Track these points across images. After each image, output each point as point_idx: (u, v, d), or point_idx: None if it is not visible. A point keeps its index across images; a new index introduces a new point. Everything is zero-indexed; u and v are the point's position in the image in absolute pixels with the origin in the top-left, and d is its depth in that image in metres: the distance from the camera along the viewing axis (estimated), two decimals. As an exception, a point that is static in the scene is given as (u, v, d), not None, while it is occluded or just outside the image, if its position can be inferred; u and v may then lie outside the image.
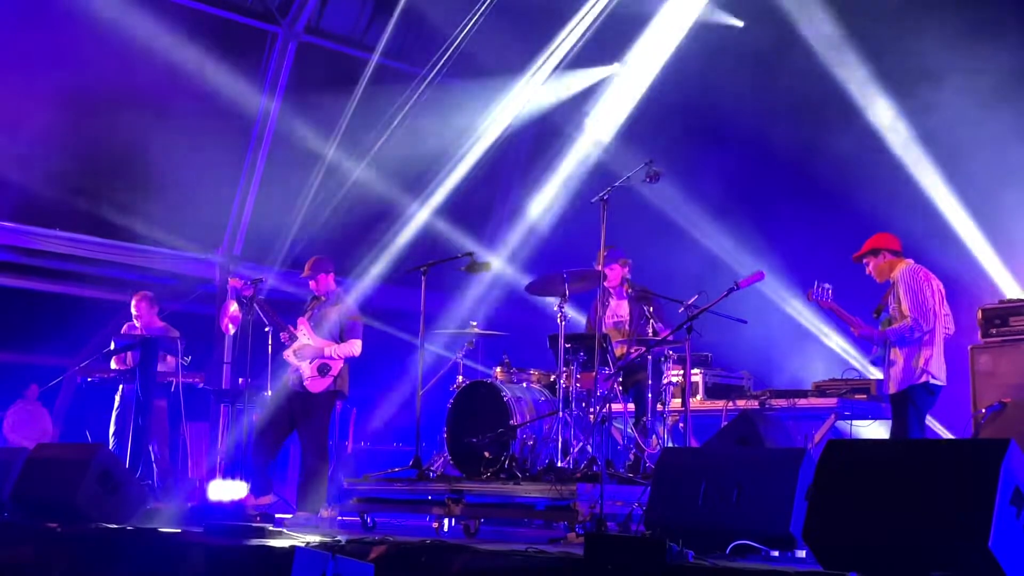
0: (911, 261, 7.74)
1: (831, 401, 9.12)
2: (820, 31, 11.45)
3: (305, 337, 9.10)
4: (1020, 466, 4.46)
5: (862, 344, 8.11)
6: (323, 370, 8.97)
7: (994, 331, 8.54)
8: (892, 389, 7.63)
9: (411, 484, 8.40)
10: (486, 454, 8.22)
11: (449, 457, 8.64)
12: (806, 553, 5.25)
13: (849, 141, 11.20)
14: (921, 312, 7.45)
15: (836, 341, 10.98)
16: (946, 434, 10.00)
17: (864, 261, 7.88)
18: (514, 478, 7.84)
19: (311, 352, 9.04)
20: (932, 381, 7.49)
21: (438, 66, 13.60)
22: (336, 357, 9.02)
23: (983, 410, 8.25)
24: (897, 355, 7.56)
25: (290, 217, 14.07)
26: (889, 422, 8.99)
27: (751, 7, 12.26)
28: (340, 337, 9.14)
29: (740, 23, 12.65)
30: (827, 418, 9.16)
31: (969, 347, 8.67)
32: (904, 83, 10.95)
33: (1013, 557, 4.28)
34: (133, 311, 10.92)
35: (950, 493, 4.46)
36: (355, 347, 9.13)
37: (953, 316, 8.63)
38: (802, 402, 9.26)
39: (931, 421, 9.99)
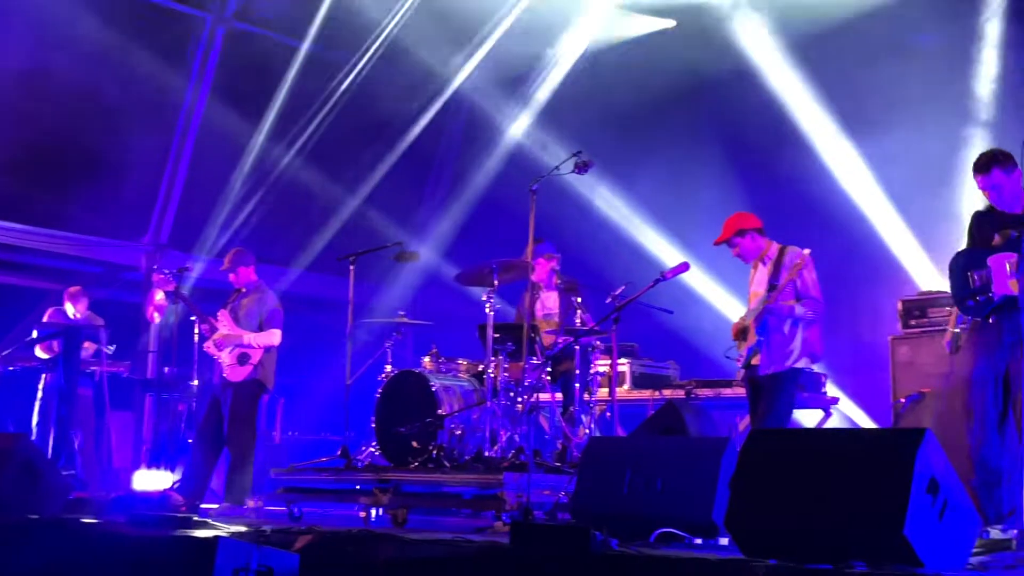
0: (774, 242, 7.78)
1: (756, 391, 9.20)
2: (748, 29, 11.61)
3: (225, 328, 9.06)
4: (936, 455, 4.57)
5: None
6: (242, 359, 8.93)
7: (913, 322, 8.69)
8: (773, 368, 7.47)
9: (338, 474, 8.38)
10: (414, 444, 8.23)
11: (377, 447, 8.64)
12: (728, 540, 5.32)
13: (774, 137, 11.34)
14: (820, 293, 7.53)
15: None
16: (867, 423, 10.19)
17: (733, 243, 7.77)
18: (442, 467, 7.86)
19: (230, 342, 9.01)
20: (814, 364, 7.60)
21: (368, 55, 13.57)
22: (255, 346, 8.98)
23: (902, 400, 8.40)
24: (784, 334, 7.49)
25: (218, 205, 13.93)
26: (813, 411, 9.15)
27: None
28: (260, 327, 9.12)
29: (672, 23, 12.75)
30: (752, 407, 9.26)
31: (889, 338, 8.82)
32: (831, 79, 11.12)
33: (928, 543, 4.38)
34: (71, 310, 10.81)
35: (868, 481, 4.54)
36: (274, 336, 9.12)
37: (875, 307, 8.81)
38: (727, 391, 9.34)
39: (852, 410, 10.20)
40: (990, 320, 6.26)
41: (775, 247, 7.71)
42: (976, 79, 10.22)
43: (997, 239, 6.26)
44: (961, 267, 6.42)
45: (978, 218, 6.54)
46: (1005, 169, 6.30)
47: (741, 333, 7.65)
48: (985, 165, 6.35)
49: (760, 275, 7.72)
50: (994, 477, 6.10)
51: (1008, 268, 6.13)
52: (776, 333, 7.48)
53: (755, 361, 7.53)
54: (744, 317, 7.71)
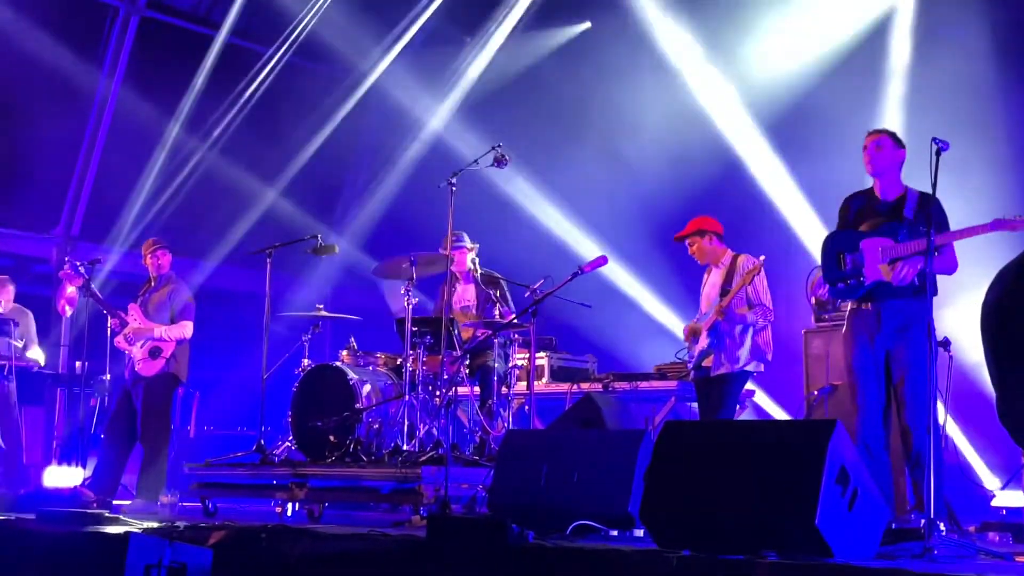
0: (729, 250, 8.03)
1: (672, 384, 9.32)
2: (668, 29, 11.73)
3: (135, 322, 8.95)
4: (846, 446, 4.65)
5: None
6: (154, 353, 8.83)
7: (826, 316, 8.81)
8: (723, 370, 7.74)
9: (254, 469, 8.32)
10: (331, 438, 8.18)
11: (294, 441, 8.58)
12: (644, 532, 5.37)
13: (692, 135, 11.44)
14: (770, 300, 7.76)
15: (677, 325, 11.21)
16: (781, 415, 10.33)
17: (689, 242, 8.06)
18: (359, 462, 7.83)
19: (141, 335, 8.89)
20: (762, 367, 7.84)
21: (285, 46, 13.45)
22: (167, 339, 8.88)
23: (815, 392, 8.52)
24: (735, 338, 7.73)
25: (132, 197, 13.70)
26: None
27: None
28: (172, 320, 9.02)
29: (587, 24, 12.86)
30: (668, 400, 9.36)
31: (803, 331, 8.94)
32: (746, 72, 11.26)
33: (838, 533, 4.45)
34: None
35: (780, 472, 4.61)
36: (186, 329, 9.03)
37: (789, 302, 8.94)
38: (644, 385, 9.44)
39: (767, 402, 10.34)
40: (867, 307, 6.38)
41: (730, 254, 7.99)
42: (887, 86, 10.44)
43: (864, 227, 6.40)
44: (832, 248, 6.54)
45: (848, 201, 6.68)
46: (895, 141, 6.46)
47: (693, 335, 7.93)
48: (879, 130, 6.56)
49: (713, 279, 8.02)
50: (882, 467, 6.21)
51: (880, 253, 6.25)
52: (727, 337, 7.77)
53: (706, 363, 7.82)
54: (696, 320, 8.01)
